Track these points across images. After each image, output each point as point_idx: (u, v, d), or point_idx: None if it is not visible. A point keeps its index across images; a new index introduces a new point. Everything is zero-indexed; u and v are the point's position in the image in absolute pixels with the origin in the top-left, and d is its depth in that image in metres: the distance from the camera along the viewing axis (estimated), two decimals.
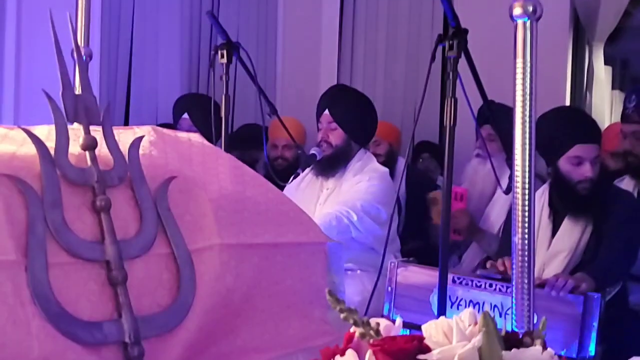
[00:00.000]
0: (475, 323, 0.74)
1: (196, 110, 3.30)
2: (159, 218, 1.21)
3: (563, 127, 2.32)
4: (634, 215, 2.35)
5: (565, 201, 2.33)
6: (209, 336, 1.22)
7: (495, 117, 2.55)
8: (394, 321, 0.83)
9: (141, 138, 1.28)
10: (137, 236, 1.17)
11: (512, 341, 0.74)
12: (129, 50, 4.02)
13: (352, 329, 0.77)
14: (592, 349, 1.94)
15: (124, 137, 1.27)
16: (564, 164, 2.31)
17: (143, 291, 1.15)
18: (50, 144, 1.14)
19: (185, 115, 3.34)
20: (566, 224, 2.34)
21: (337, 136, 2.69)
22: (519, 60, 1.28)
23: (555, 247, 2.33)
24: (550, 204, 2.39)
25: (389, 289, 2.25)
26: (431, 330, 0.73)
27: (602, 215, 2.31)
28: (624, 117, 2.67)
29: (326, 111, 2.72)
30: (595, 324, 1.95)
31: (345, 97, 2.79)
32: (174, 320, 1.16)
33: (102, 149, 1.20)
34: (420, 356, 0.69)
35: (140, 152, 1.25)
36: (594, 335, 1.94)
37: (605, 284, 2.19)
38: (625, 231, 2.28)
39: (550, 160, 2.38)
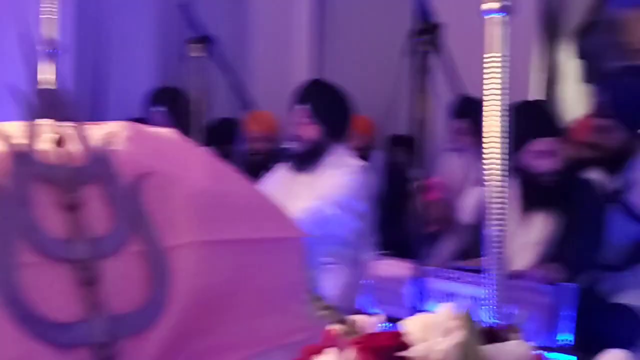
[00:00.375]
0: (455, 317, 0.74)
1: (169, 104, 3.27)
2: (131, 215, 1.19)
3: (522, 122, 2.35)
4: (600, 204, 2.39)
5: (531, 194, 2.37)
6: (184, 335, 1.20)
7: (468, 111, 2.57)
8: (370, 314, 0.83)
9: (114, 133, 1.26)
10: (109, 234, 1.15)
11: (491, 335, 0.74)
12: (101, 43, 3.95)
13: (332, 326, 0.76)
14: (565, 339, 1.97)
15: (96, 132, 1.25)
16: (526, 158, 2.34)
17: (116, 291, 1.12)
18: (20, 140, 1.11)
19: (158, 109, 3.31)
20: (534, 216, 2.38)
21: (311, 131, 2.68)
22: (491, 55, 1.29)
23: (525, 239, 2.37)
24: (518, 196, 2.42)
25: (365, 282, 2.25)
26: (412, 326, 0.73)
27: (569, 205, 2.35)
28: (593, 112, 2.71)
29: (301, 105, 2.71)
30: (569, 314, 1.98)
31: (321, 92, 2.77)
32: (148, 320, 1.14)
33: (73, 145, 1.17)
34: (402, 353, 0.69)
35: (113, 147, 1.23)
36: (567, 325, 1.97)
37: (577, 273, 2.22)
38: (592, 220, 2.32)
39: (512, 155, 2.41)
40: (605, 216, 2.46)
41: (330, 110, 2.68)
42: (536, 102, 2.48)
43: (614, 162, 2.66)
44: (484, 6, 1.25)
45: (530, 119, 2.32)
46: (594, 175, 2.68)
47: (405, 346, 0.69)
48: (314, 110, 2.66)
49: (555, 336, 1.95)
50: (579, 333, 2.04)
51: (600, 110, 2.67)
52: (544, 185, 2.33)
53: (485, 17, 1.27)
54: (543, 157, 2.32)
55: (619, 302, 2.43)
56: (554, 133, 2.35)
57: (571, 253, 2.25)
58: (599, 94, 2.72)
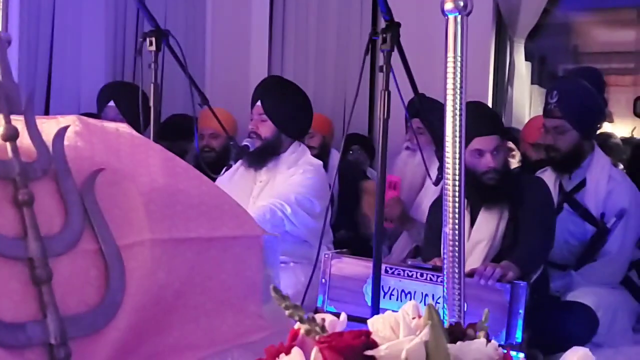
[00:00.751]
0: (419, 316, 0.74)
1: (123, 99, 3.18)
2: (85, 212, 1.15)
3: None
4: (547, 201, 2.44)
5: (475, 192, 2.39)
6: (139, 335, 1.18)
7: (425, 110, 2.59)
8: (328, 312, 0.82)
9: (66, 128, 1.22)
10: (62, 232, 1.11)
11: (456, 333, 0.74)
12: (49, 35, 3.83)
13: (296, 326, 0.75)
14: (518, 336, 2.01)
15: (47, 127, 1.20)
16: (467, 157, 2.38)
17: (69, 290, 1.09)
18: None
19: (111, 104, 3.21)
20: (482, 214, 2.41)
21: (266, 128, 2.66)
22: (450, 55, 1.30)
23: (475, 237, 2.40)
24: (466, 196, 2.44)
25: (323, 280, 2.25)
26: (378, 324, 0.73)
27: (516, 203, 2.39)
28: (546, 112, 2.76)
29: (258, 102, 2.68)
30: (522, 311, 2.01)
31: (279, 90, 2.75)
32: (102, 320, 1.12)
33: (24, 140, 1.13)
34: (368, 352, 0.68)
35: (65, 143, 1.19)
36: (520, 322, 2.01)
37: (529, 270, 2.27)
38: (540, 217, 2.36)
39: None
40: (555, 215, 2.51)
41: (284, 109, 2.65)
42: (475, 102, 2.50)
43: (567, 162, 2.72)
44: (446, 6, 1.26)
45: (469, 118, 2.34)
46: (547, 175, 2.74)
47: (372, 345, 0.69)
48: (267, 107, 2.63)
49: (508, 333, 1.98)
50: (529, 330, 2.08)
51: (552, 112, 2.72)
52: (486, 184, 2.36)
53: (446, 17, 1.27)
54: (483, 155, 2.35)
55: (570, 300, 2.49)
56: (492, 131, 2.38)
57: (523, 250, 2.29)
58: (550, 96, 2.77)
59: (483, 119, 2.41)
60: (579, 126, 2.67)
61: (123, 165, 1.27)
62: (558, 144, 2.70)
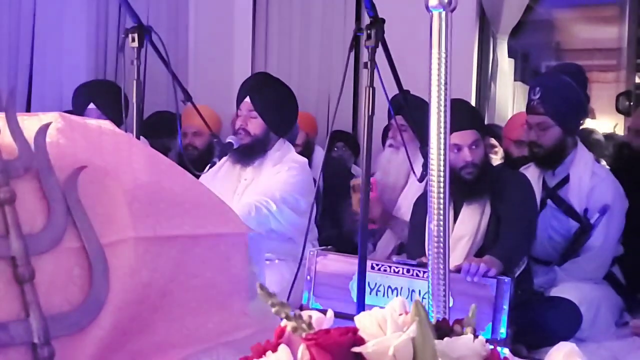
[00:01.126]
0: (406, 312, 0.74)
1: (102, 98, 3.14)
2: (68, 210, 1.14)
3: None
4: (528, 196, 2.45)
5: (454, 188, 2.40)
6: (124, 334, 1.17)
7: (409, 107, 2.59)
8: (314, 309, 0.82)
9: (48, 125, 1.20)
10: (44, 230, 1.10)
11: (443, 330, 0.74)
12: (31, 32, 3.79)
13: (283, 323, 0.75)
14: (503, 331, 2.02)
15: (29, 124, 1.19)
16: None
17: (52, 288, 1.08)
18: None
19: (92, 106, 3.15)
20: (464, 210, 2.42)
21: (256, 125, 2.65)
22: (435, 51, 1.30)
23: (458, 232, 2.40)
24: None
25: (308, 277, 2.25)
26: (365, 321, 0.72)
27: (498, 198, 2.39)
28: (529, 109, 2.77)
29: (247, 99, 2.67)
30: (506, 307, 2.03)
31: (268, 87, 2.74)
32: (86, 318, 1.11)
33: (5, 137, 1.11)
34: (355, 349, 0.68)
35: (47, 140, 1.18)
36: (504, 317, 2.02)
37: (511, 265, 2.28)
38: (522, 212, 2.37)
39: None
40: (536, 210, 2.53)
41: (274, 107, 2.65)
42: (452, 98, 2.48)
43: (550, 158, 2.74)
44: (430, 2, 1.25)
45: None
46: (530, 171, 2.75)
47: (359, 342, 0.69)
48: (256, 103, 2.63)
49: (493, 328, 1.99)
50: (513, 325, 2.09)
51: (534, 108, 2.73)
52: (464, 179, 2.36)
53: (431, 13, 1.27)
54: (460, 150, 2.35)
55: (554, 296, 2.51)
56: (469, 126, 2.38)
57: (506, 245, 2.29)
58: (533, 92, 2.78)
59: (460, 114, 2.42)
60: (561, 122, 2.69)
61: (106, 163, 1.26)
62: (541, 140, 2.71)
